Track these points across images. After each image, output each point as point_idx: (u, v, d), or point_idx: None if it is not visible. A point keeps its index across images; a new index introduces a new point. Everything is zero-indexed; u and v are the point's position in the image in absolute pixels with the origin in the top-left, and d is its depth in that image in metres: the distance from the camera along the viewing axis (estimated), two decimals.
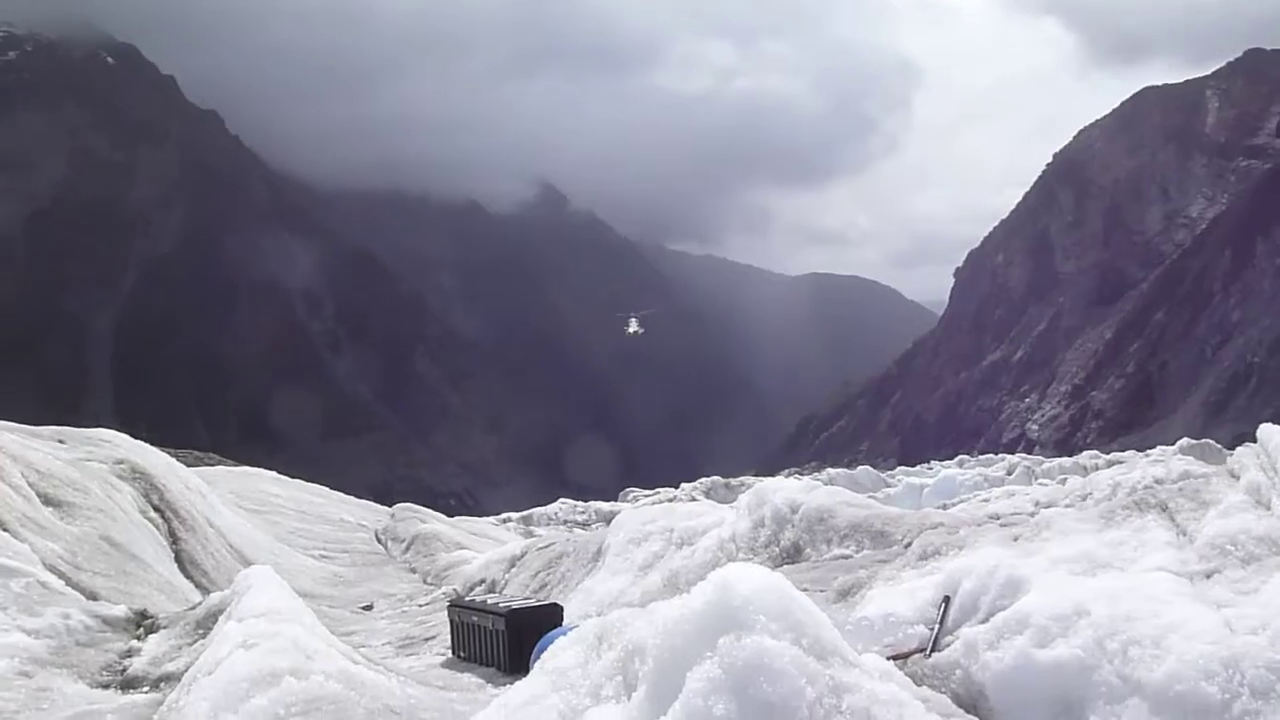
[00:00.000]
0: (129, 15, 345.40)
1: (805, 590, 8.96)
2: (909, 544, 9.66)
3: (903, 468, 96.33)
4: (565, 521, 64.51)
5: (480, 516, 50.58)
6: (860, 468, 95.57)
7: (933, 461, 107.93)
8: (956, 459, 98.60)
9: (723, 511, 12.78)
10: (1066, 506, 14.41)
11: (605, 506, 70.07)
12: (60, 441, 15.99)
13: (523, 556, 15.20)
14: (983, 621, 5.88)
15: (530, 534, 43.82)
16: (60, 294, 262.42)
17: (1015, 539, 7.07)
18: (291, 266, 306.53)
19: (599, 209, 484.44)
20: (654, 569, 11.73)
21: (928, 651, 5.98)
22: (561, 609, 10.86)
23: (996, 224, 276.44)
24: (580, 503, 70.06)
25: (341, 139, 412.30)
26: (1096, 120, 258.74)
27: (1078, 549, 6.33)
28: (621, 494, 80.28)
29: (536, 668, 5.19)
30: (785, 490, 11.34)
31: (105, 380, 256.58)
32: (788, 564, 10.40)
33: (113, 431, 17.94)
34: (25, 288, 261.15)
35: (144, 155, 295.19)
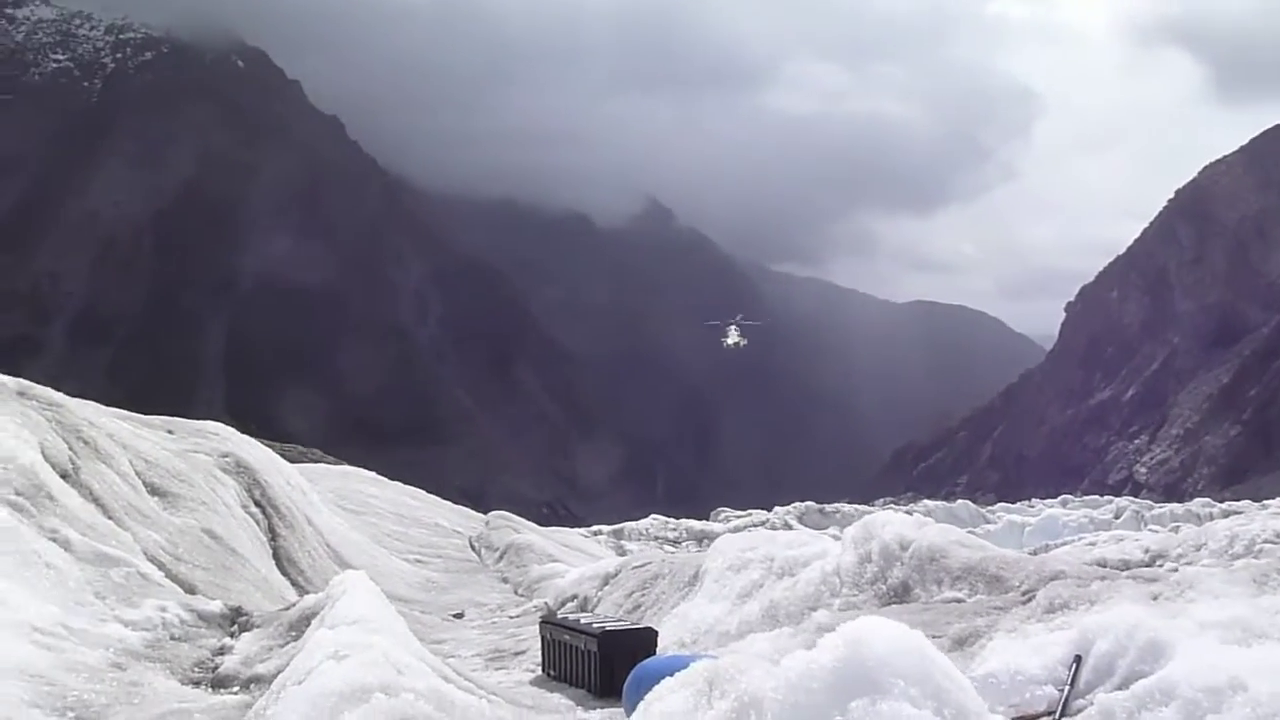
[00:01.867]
0: (259, 20, 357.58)
1: None
2: (1026, 591, 9.12)
3: (1003, 504, 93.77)
4: (656, 538, 64.18)
5: (572, 528, 50.54)
6: (959, 502, 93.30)
7: (1034, 499, 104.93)
8: (1060, 498, 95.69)
9: (825, 542, 12.33)
10: (1205, 565, 13.60)
11: (697, 525, 69.55)
12: (169, 431, 16.24)
13: (617, 575, 14.93)
14: (1120, 687, 5.39)
15: (621, 548, 43.61)
16: (181, 288, 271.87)
17: (1155, 597, 6.54)
18: (403, 270, 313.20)
19: (704, 226, 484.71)
20: (752, 598, 11.34)
21: (1057, 715, 5.52)
22: (656, 633, 10.54)
23: (1112, 259, 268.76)
24: (672, 520, 69.66)
25: (456, 147, 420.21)
26: (1223, 156, 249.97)
27: (1229, 614, 5.79)
28: (713, 513, 79.58)
29: (641, 709, 4.85)
30: (895, 525, 10.85)
31: (218, 374, 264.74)
32: (895, 603, 9.93)
33: (220, 424, 18.22)
34: (149, 281, 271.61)
35: (267, 157, 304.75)
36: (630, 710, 8.01)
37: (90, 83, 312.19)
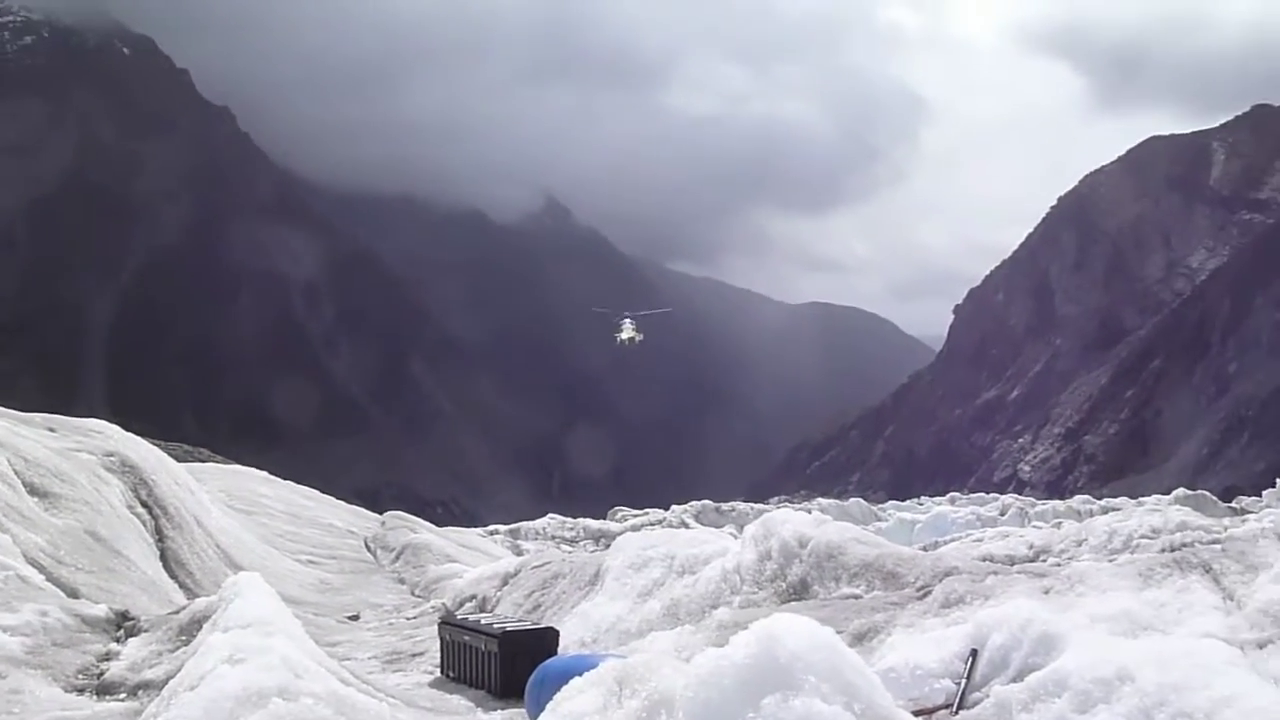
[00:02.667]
0: (147, 7, 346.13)
1: None
2: (922, 587, 9.32)
3: (894, 501, 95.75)
4: (553, 537, 63.97)
5: (468, 527, 50.13)
6: (852, 499, 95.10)
7: (923, 497, 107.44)
8: (948, 496, 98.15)
9: (726, 541, 12.44)
10: (1086, 559, 14.08)
11: (595, 524, 69.53)
12: (50, 430, 15.62)
13: (516, 574, 14.83)
14: (1015, 679, 5.54)
15: (518, 548, 43.37)
16: (60, 280, 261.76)
17: (1046, 592, 6.74)
18: (294, 263, 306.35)
19: (601, 224, 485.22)
20: (654, 596, 11.38)
21: (954, 709, 5.65)
22: (557, 633, 10.50)
23: (999, 262, 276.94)
24: (569, 519, 69.53)
25: (351, 139, 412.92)
26: (1103, 165, 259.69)
27: (1117, 607, 6.00)
28: (610, 512, 79.57)
29: (549, 710, 4.81)
30: (794, 523, 10.99)
31: (100, 369, 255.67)
32: (795, 600, 10.06)
33: (104, 422, 17.58)
34: (25, 272, 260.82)
35: (153, 146, 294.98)
36: (533, 711, 7.96)
37: None
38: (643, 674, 4.33)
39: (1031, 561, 20.12)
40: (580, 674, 7.70)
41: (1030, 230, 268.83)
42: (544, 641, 10.19)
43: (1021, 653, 5.70)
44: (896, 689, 5.74)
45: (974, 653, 5.97)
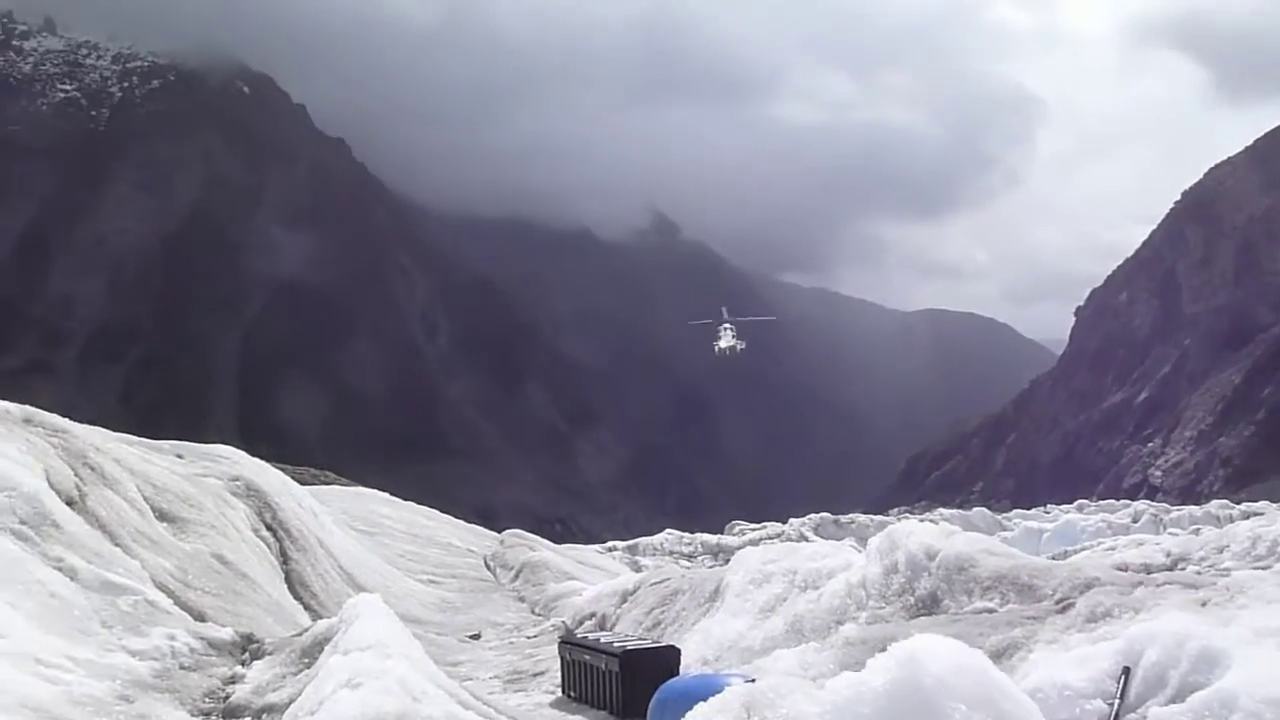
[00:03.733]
0: (265, 46, 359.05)
1: None
2: (1061, 600, 8.83)
3: (1018, 511, 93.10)
4: (671, 553, 63.82)
5: (585, 544, 50.19)
6: (975, 509, 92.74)
7: (1049, 505, 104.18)
8: (1075, 504, 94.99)
9: (849, 554, 12.04)
10: (1229, 565, 13.28)
11: (712, 539, 69.14)
12: (179, 456, 16.03)
13: (635, 591, 14.65)
14: (1173, 700, 5.11)
15: (636, 564, 43.30)
16: (191, 314, 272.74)
17: (1203, 604, 6.25)
18: (410, 289, 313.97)
19: (710, 238, 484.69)
20: (776, 612, 11.06)
21: None
22: (679, 652, 10.27)
23: (1121, 262, 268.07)
24: (686, 534, 69.24)
25: (461, 166, 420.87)
26: (1229, 157, 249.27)
27: None
28: (727, 527, 79.09)
29: None
30: (920, 535, 10.56)
31: (231, 399, 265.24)
32: (924, 615, 9.64)
33: (230, 448, 18.00)
34: (159, 307, 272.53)
35: (274, 180, 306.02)
36: None
37: (98, 111, 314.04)
38: (772, 699, 4.04)
39: (1169, 570, 19.14)
40: (704, 695, 7.46)
41: (1153, 228, 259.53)
42: (665, 660, 9.97)
43: (1180, 670, 5.26)
44: (1043, 711, 5.34)
45: (1126, 671, 5.54)
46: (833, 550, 12.17)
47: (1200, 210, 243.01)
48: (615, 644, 10.40)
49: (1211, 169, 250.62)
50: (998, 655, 7.08)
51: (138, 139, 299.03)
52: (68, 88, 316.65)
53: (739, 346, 66.31)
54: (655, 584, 14.49)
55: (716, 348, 66.20)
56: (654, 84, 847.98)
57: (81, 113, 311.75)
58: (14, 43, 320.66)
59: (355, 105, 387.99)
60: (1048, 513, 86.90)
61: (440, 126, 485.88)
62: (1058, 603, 8.73)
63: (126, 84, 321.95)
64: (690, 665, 10.52)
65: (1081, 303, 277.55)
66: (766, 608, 11.29)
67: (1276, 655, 5.14)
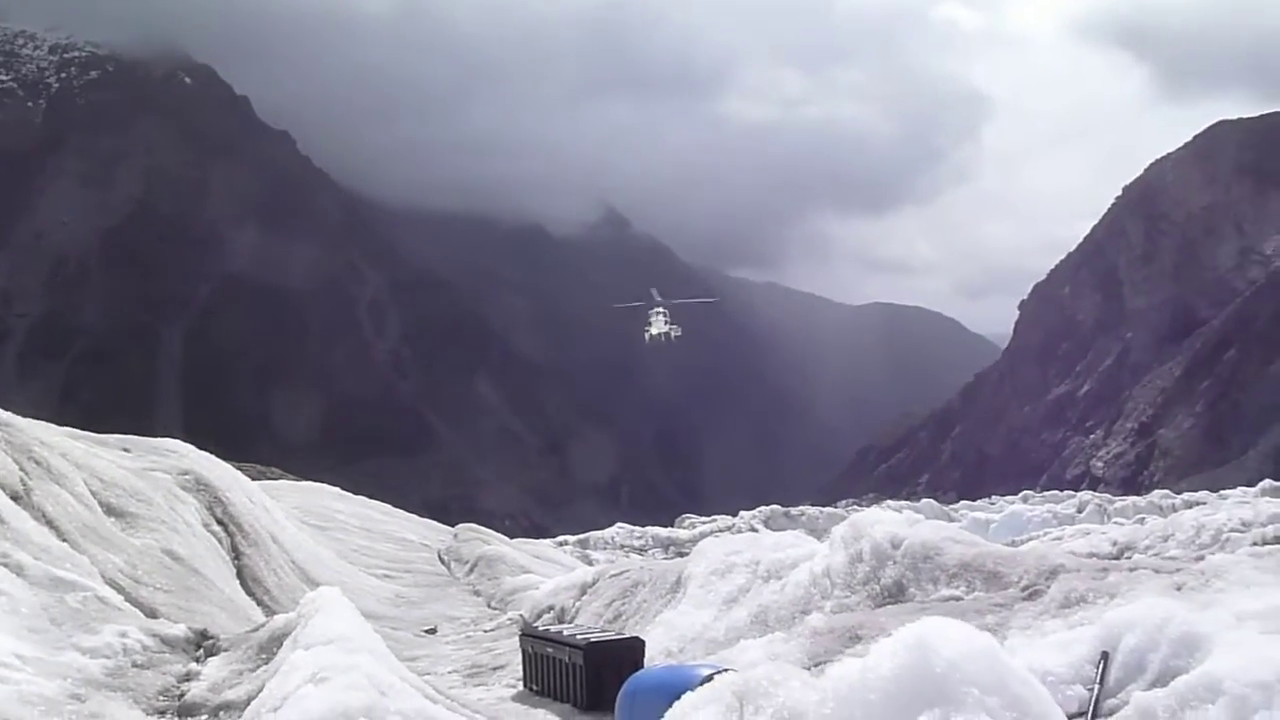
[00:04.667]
0: (207, 37, 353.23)
1: None
2: (1027, 587, 8.84)
3: (965, 502, 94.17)
4: (622, 546, 63.80)
5: (536, 539, 49.99)
6: (923, 501, 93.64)
7: (995, 496, 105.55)
8: (1020, 494, 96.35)
9: (812, 544, 12.00)
10: (1169, 555, 13.43)
11: (663, 532, 69.23)
12: (125, 450, 15.64)
13: (594, 584, 14.53)
14: (1155, 684, 5.07)
15: (587, 558, 43.19)
16: (134, 308, 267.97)
17: (1179, 588, 6.24)
18: (359, 284, 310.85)
19: (661, 233, 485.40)
20: (740, 603, 10.98)
21: (1089, 716, 5.19)
22: (644, 643, 10.16)
23: (1064, 256, 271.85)
24: (637, 528, 69.28)
25: (411, 160, 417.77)
26: (1169, 153, 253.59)
27: (1266, 604, 5.49)
28: (678, 520, 79.29)
29: None
30: (884, 524, 10.53)
31: (176, 394, 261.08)
32: (890, 603, 9.61)
33: (178, 442, 17.61)
34: (101, 302, 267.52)
35: (218, 173, 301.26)
36: None
37: (35, 103, 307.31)
38: (766, 688, 3.88)
39: (1114, 559, 19.36)
40: (675, 686, 7.34)
41: (1095, 223, 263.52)
42: (631, 652, 9.86)
43: (1160, 655, 5.23)
44: None
45: (1105, 656, 5.51)
46: (795, 540, 12.13)
47: (1142, 205, 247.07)
48: (578, 636, 10.27)
49: (1153, 164, 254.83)
50: None
51: (77, 131, 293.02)
52: (3, 78, 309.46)
53: (673, 333, 59.31)
54: (615, 576, 14.38)
55: (648, 335, 59.53)
56: (606, 79, 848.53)
57: (18, 104, 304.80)
58: None
59: (301, 98, 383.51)
60: (993, 504, 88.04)
61: (391, 120, 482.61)
62: (1024, 589, 8.73)
63: (64, 75, 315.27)
64: (654, 657, 10.42)
65: (1025, 297, 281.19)
66: (730, 599, 11.22)
67: (1260, 639, 5.12)
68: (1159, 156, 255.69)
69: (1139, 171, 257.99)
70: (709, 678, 6.93)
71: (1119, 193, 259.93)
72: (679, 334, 59.30)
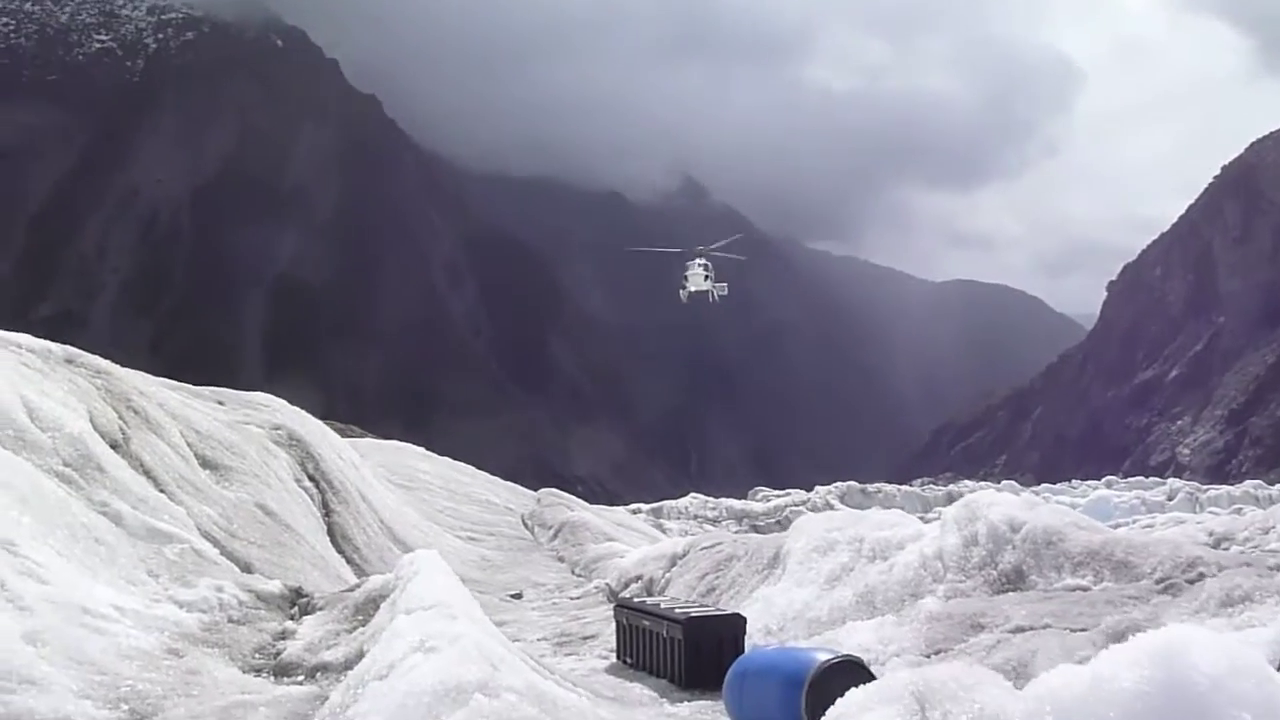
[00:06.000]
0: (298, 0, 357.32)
1: (1048, 626, 7.69)
2: (1162, 579, 8.29)
3: (1046, 485, 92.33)
4: (695, 516, 63.70)
5: (611, 506, 49.99)
6: (1005, 482, 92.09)
7: (1076, 480, 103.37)
8: (1104, 479, 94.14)
9: (918, 524, 11.51)
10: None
11: (737, 504, 68.96)
12: (219, 403, 15.66)
13: (685, 555, 14.18)
14: None
15: (661, 527, 42.99)
16: (221, 262, 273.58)
17: None
18: (436, 243, 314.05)
19: (739, 202, 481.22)
20: (843, 582, 10.54)
21: None
22: (744, 620, 9.80)
23: (1156, 236, 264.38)
24: (711, 499, 69.04)
25: (490, 122, 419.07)
26: (1270, 132, 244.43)
27: None
28: (751, 492, 78.91)
29: None
30: (1002, 505, 10.00)
31: (258, 350, 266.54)
32: (1010, 590, 9.10)
33: (270, 396, 17.63)
34: (190, 258, 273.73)
35: (305, 134, 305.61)
36: (735, 707, 7.23)
37: (133, 62, 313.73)
38: (955, 692, 3.39)
39: (1214, 549, 18.50)
40: (789, 670, 6.93)
41: (1191, 202, 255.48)
42: (731, 628, 9.50)
43: None
44: None
45: None
46: (900, 519, 11.64)
47: (1240, 185, 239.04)
48: (676, 610, 9.93)
49: (1253, 143, 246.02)
50: (1117, 637, 6.54)
51: (171, 91, 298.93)
52: (103, 38, 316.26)
53: (717, 292, 47.46)
54: (707, 548, 14.02)
55: (684, 292, 47.57)
56: (685, 40, 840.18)
57: (117, 64, 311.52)
58: None
59: (387, 60, 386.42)
60: (1075, 488, 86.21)
61: (471, 82, 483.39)
62: (1159, 582, 8.19)
63: (161, 35, 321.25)
64: (753, 635, 10.07)
65: (1114, 277, 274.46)
66: (833, 577, 10.78)
67: None
68: (1260, 136, 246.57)
69: (1238, 150, 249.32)
70: (830, 665, 6.53)
71: (1217, 172, 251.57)
72: (724, 293, 48.28)
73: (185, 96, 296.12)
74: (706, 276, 47.54)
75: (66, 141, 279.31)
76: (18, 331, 11.71)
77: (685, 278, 47.72)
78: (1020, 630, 7.60)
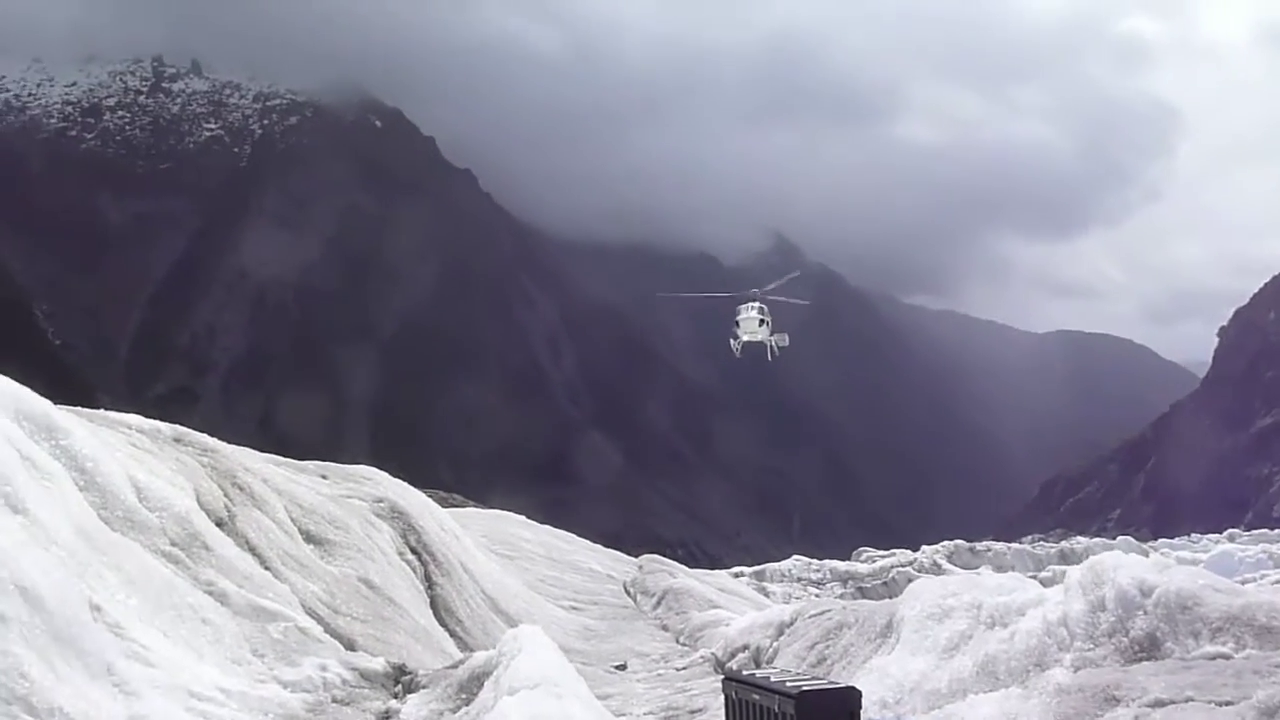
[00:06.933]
0: (395, 81, 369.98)
1: (1191, 699, 7.17)
2: None
3: (1164, 540, 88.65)
4: (800, 579, 62.53)
5: (711, 569, 49.31)
6: (1120, 538, 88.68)
7: (1195, 534, 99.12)
8: (1226, 533, 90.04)
9: (1037, 588, 10.97)
10: None
11: (841, 565, 67.51)
12: (323, 476, 15.82)
13: (793, 623, 13.76)
14: None
15: (764, 590, 42.21)
16: (327, 339, 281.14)
17: None
18: (534, 314, 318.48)
19: (832, 260, 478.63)
20: (961, 651, 10.05)
21: None
22: (860, 694, 9.37)
23: (1268, 279, 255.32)
24: (814, 560, 67.71)
25: (582, 191, 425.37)
26: None
27: None
28: (855, 553, 77.30)
29: None
30: (1130, 567, 9.45)
31: (363, 421, 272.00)
32: (1144, 659, 8.55)
33: (372, 469, 17.77)
34: (296, 334, 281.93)
35: (404, 212, 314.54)
36: None
37: (240, 148, 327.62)
38: None
39: None
40: None
41: None
42: (846, 703, 9.07)
43: None
44: None
45: None
46: (1019, 583, 11.11)
47: None
48: (788, 683, 9.55)
49: None
50: (1270, 713, 6.05)
51: (276, 174, 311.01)
52: (212, 126, 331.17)
53: (776, 344, 39.52)
54: (815, 615, 13.58)
55: (736, 345, 39.32)
56: (773, 105, 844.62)
57: (225, 150, 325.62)
58: (164, 85, 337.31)
59: (481, 135, 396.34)
60: (1195, 542, 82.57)
61: (563, 153, 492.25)
62: None
63: (266, 121, 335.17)
64: (868, 708, 9.62)
65: (1225, 322, 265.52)
66: (950, 646, 10.29)
67: None
68: None
69: None
70: None
71: None
72: (785, 344, 40.46)
73: (289, 179, 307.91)
74: (762, 322, 39.52)
75: (178, 227, 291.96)
76: (134, 409, 11.98)
77: (737, 323, 39.51)
78: (1160, 704, 7.09)
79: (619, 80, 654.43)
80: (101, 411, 11.80)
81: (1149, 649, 8.69)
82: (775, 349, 39.85)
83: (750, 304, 39.38)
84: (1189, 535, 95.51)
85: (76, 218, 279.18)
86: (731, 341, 39.43)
